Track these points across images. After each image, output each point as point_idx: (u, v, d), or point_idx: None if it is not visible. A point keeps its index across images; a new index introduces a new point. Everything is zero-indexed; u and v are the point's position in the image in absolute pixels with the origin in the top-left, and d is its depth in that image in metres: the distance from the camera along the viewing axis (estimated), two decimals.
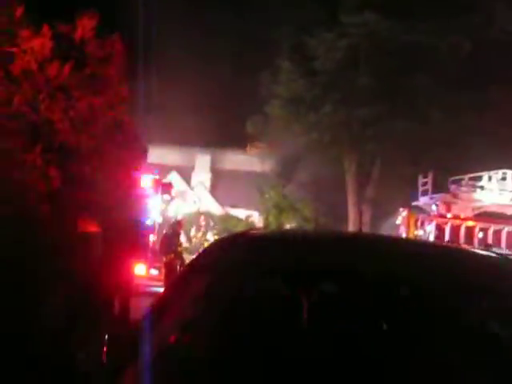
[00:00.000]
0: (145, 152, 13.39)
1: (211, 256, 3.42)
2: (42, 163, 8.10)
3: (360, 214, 34.07)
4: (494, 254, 3.61)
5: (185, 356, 2.75)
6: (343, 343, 2.59)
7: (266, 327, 2.71)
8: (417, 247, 3.66)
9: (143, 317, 3.18)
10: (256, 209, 37.62)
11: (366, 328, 2.67)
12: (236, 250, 3.32)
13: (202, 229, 36.63)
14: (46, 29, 9.16)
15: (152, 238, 22.44)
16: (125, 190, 10.53)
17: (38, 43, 8.86)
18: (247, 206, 38.68)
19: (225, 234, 7.72)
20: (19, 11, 8.84)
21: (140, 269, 13.18)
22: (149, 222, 21.97)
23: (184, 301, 3.13)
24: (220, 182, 44.10)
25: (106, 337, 3.24)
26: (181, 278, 3.82)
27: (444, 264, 3.12)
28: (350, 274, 2.91)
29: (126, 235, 9.44)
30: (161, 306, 3.24)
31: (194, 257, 3.78)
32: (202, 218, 37.37)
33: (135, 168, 12.47)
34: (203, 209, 40.87)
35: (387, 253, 3.20)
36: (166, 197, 28.57)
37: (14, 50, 8.65)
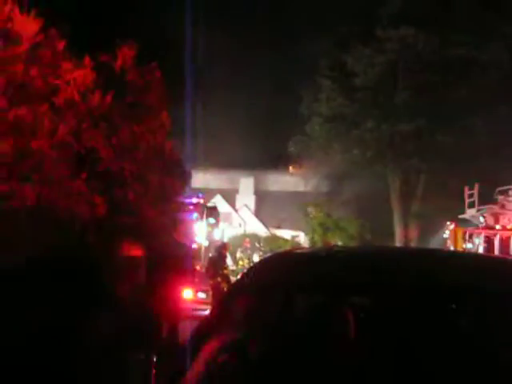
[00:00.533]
0: (188, 176, 13.50)
1: (256, 275, 3.42)
2: (87, 190, 8.25)
3: (406, 229, 33.73)
4: None
5: (233, 376, 2.76)
6: (391, 355, 2.59)
7: (314, 343, 2.71)
8: (457, 259, 3.61)
9: (190, 338, 3.20)
10: (301, 229, 37.50)
11: (412, 341, 2.66)
12: (280, 268, 3.32)
13: (248, 251, 36.62)
14: (87, 60, 9.39)
15: (199, 261, 22.53)
16: (169, 214, 10.64)
17: (80, 74, 9.08)
18: (292, 227, 38.61)
19: None
20: (61, 44, 9.07)
21: (187, 292, 13.23)
22: (195, 246, 22.10)
23: (230, 321, 3.14)
24: (264, 204, 44.19)
25: (155, 359, 3.27)
26: (226, 298, 3.83)
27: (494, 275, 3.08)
28: (393, 288, 2.90)
29: (172, 259, 9.50)
30: (207, 326, 3.25)
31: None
32: (247, 239, 37.38)
33: (179, 192, 12.60)
34: (249, 231, 40.92)
35: (428, 266, 3.17)
36: (212, 220, 28.72)
37: (58, 82, 8.86)
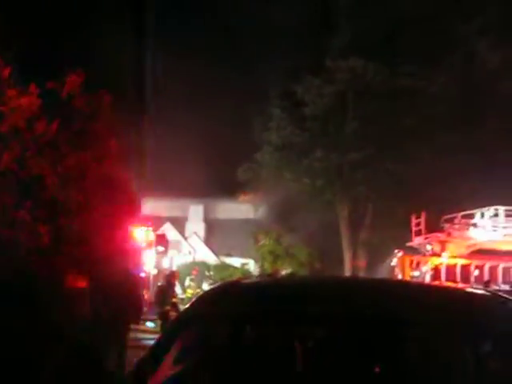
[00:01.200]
0: (137, 205, 13.36)
1: (203, 305, 3.38)
2: (30, 219, 8.07)
3: (355, 256, 34.00)
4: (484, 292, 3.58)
5: None
6: None
7: (261, 374, 2.69)
8: (402, 288, 3.63)
9: (135, 368, 3.13)
10: (251, 256, 37.46)
11: (360, 371, 2.66)
12: (228, 299, 3.29)
13: (197, 279, 36.36)
14: (33, 87, 9.25)
15: (147, 290, 22.27)
16: (116, 243, 10.48)
17: (25, 101, 8.94)
18: (242, 254, 38.54)
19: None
20: (6, 71, 8.94)
21: (135, 322, 13.00)
22: (143, 275, 21.84)
23: (177, 351, 3.10)
24: (214, 232, 44.07)
25: None
26: (173, 328, 3.77)
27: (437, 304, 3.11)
28: (340, 319, 2.90)
29: (119, 289, 9.35)
30: (154, 356, 3.19)
31: None
32: (196, 268, 37.11)
33: (127, 221, 12.44)
34: (198, 258, 40.68)
35: (380, 295, 3.18)
36: (160, 248, 28.48)
37: (2, 108, 8.71)
